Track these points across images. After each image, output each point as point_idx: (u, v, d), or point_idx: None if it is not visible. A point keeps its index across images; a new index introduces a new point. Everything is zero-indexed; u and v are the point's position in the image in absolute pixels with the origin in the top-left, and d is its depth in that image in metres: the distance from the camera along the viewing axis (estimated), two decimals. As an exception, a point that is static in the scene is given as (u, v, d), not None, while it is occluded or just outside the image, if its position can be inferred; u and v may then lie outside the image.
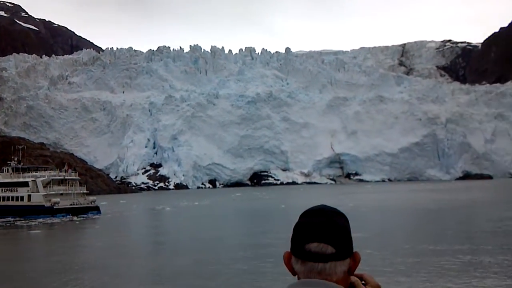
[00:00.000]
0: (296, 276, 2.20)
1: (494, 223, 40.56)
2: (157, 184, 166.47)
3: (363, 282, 2.23)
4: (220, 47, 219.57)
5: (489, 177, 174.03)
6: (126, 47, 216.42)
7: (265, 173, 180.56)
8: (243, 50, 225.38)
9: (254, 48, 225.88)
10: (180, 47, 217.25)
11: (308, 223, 2.17)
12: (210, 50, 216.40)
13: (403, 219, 49.60)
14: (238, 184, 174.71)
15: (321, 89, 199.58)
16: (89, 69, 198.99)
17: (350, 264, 2.16)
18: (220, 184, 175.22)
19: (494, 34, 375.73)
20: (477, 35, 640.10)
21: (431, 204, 63.93)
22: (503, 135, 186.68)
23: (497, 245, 28.54)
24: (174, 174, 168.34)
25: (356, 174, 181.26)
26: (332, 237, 2.12)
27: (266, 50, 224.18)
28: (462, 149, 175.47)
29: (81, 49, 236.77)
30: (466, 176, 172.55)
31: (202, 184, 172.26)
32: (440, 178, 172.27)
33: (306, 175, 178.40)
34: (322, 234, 2.12)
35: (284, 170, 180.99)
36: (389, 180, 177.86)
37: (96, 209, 69.23)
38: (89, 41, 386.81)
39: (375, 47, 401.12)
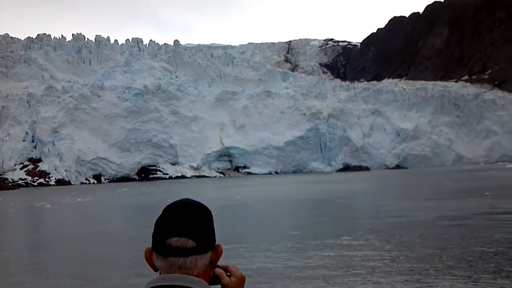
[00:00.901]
0: (158, 272, 2.12)
1: (371, 210, 43.25)
2: (37, 180, 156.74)
3: (228, 273, 2.17)
4: (106, 37, 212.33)
5: (367, 168, 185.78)
6: (2, 34, 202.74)
7: (154, 167, 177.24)
8: (130, 41, 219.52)
9: (141, 39, 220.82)
10: (62, 35, 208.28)
11: (169, 217, 2.11)
12: (95, 40, 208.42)
13: (287, 210, 51.14)
14: (125, 179, 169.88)
15: (210, 83, 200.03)
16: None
17: (212, 257, 2.10)
18: (105, 180, 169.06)
19: (372, 34, 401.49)
20: (356, 35, 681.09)
21: (314, 195, 66.74)
22: (379, 129, 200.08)
23: (373, 230, 30.43)
24: (55, 170, 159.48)
25: (245, 167, 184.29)
26: (193, 231, 2.04)
27: (154, 41, 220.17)
28: (342, 142, 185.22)
29: None
30: (346, 168, 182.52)
31: (86, 179, 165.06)
32: (322, 170, 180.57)
33: (195, 168, 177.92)
34: (182, 228, 2.04)
35: (173, 164, 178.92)
36: (276, 172, 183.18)
37: (-35, 208, 63.99)
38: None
39: (262, 43, 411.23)
